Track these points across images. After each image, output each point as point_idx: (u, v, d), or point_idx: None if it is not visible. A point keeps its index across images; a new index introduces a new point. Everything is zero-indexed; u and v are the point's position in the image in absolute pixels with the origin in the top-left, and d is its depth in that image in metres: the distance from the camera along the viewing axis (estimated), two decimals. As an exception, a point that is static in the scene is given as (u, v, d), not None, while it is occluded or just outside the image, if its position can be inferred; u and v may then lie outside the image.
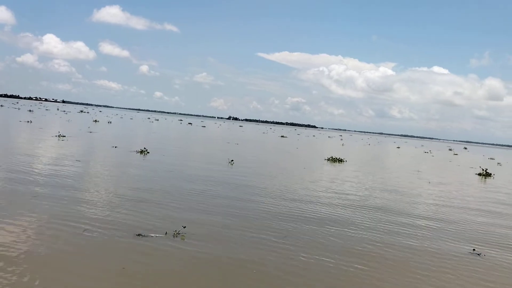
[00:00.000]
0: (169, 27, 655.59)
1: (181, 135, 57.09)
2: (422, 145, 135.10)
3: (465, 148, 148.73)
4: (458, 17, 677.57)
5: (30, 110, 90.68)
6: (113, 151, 25.82)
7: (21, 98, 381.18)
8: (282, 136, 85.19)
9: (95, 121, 68.45)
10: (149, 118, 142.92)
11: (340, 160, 35.21)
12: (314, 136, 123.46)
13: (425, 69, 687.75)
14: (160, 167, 20.44)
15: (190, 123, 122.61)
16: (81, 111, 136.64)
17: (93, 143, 30.42)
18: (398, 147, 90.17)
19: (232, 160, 25.70)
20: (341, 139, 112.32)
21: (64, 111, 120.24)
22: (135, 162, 21.56)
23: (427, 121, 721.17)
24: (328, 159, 35.18)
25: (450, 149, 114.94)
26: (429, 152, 77.84)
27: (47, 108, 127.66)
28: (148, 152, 26.28)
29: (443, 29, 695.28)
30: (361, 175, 26.53)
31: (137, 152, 26.06)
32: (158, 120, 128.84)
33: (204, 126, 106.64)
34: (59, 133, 32.65)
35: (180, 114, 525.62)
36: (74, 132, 40.25)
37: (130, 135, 44.17)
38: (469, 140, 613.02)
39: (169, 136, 49.43)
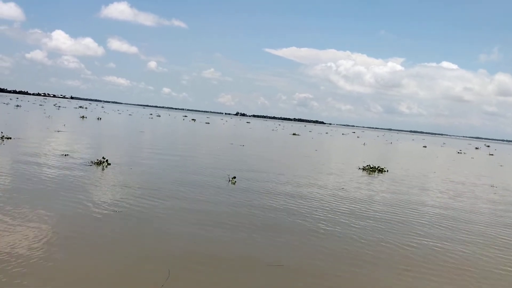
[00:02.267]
0: (177, 23, 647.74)
1: (176, 134, 48.31)
2: (444, 143, 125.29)
3: (488, 146, 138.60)
4: (467, 12, 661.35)
5: (17, 105, 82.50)
6: (57, 162, 17.13)
7: (30, 94, 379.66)
8: (293, 134, 76.23)
9: (82, 117, 60.05)
10: (151, 114, 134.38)
11: (381, 170, 26.34)
12: (327, 133, 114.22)
13: (434, 64, 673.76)
14: (102, 201, 11.64)
15: (193, 119, 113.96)
16: (80, 107, 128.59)
17: (40, 148, 21.72)
18: (425, 146, 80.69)
19: (234, 177, 16.94)
20: (358, 137, 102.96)
21: (59, 106, 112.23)
22: (62, 190, 12.76)
23: (436, 117, 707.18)
24: (364, 168, 26.34)
25: (477, 148, 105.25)
26: (462, 152, 68.40)
27: (41, 104, 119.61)
28: (108, 164, 17.62)
29: (452, 24, 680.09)
30: (442, 199, 17.57)
31: (93, 163, 17.39)
32: (159, 116, 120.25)
33: (208, 123, 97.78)
34: (2, 134, 24.06)
35: (188, 110, 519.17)
36: (36, 131, 31.75)
37: (107, 136, 35.49)
38: (479, 136, 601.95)
39: (159, 137, 40.67)
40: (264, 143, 44.82)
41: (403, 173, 27.29)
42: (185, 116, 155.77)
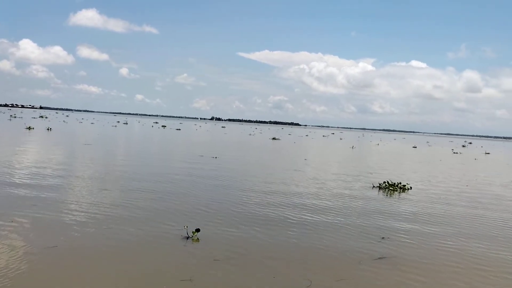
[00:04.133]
0: (148, 28, 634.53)
1: (134, 146, 40.36)
2: (428, 142, 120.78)
3: (470, 143, 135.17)
4: (433, 10, 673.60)
5: (-40, 117, 72.76)
6: None
7: None
8: (273, 139, 69.10)
9: (28, 128, 51.36)
10: (118, 121, 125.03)
11: (402, 188, 19.48)
12: (307, 135, 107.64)
13: (403, 63, 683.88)
14: None
15: (163, 126, 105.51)
16: (41, 117, 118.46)
17: None
18: (415, 147, 74.87)
19: (197, 231, 9.51)
20: (340, 139, 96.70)
21: (15, 117, 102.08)
22: None
23: (408, 115, 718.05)
24: (381, 187, 19.42)
25: (463, 146, 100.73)
26: (457, 152, 62.74)
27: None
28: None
29: (419, 23, 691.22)
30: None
31: None
32: (126, 123, 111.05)
33: (179, 129, 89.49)
34: None
35: (162, 116, 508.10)
36: None
37: (34, 154, 27.39)
38: (449, 132, 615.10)
39: (108, 151, 32.59)
40: (241, 153, 37.39)
41: (435, 188, 20.42)
42: (156, 122, 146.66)
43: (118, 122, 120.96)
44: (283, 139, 71.27)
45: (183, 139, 55.33)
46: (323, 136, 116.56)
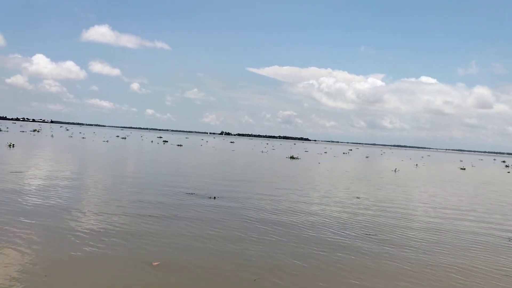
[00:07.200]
0: (160, 44, 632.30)
1: (91, 174, 28.59)
2: (461, 160, 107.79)
3: (504, 162, 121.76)
4: (443, 26, 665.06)
5: None
6: None
7: (8, 119, 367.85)
8: (291, 158, 57.11)
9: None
10: (117, 136, 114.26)
11: None
12: (325, 153, 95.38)
13: (413, 79, 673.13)
14: None
15: (165, 141, 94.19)
16: (34, 130, 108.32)
17: None
18: (463, 168, 62.26)
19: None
20: (367, 157, 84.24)
21: (1, 130, 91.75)
22: None
23: (418, 130, 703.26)
24: None
25: (507, 165, 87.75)
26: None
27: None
28: None
29: (429, 38, 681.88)
30: None
31: None
32: (125, 138, 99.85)
33: (181, 145, 77.74)
34: None
35: (172, 131, 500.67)
36: None
37: None
38: (461, 148, 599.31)
39: (33, 186, 20.97)
40: (256, 186, 25.34)
41: None
42: (160, 137, 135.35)
43: (118, 136, 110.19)
44: (303, 158, 59.26)
45: (179, 159, 43.56)
46: (343, 153, 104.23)
